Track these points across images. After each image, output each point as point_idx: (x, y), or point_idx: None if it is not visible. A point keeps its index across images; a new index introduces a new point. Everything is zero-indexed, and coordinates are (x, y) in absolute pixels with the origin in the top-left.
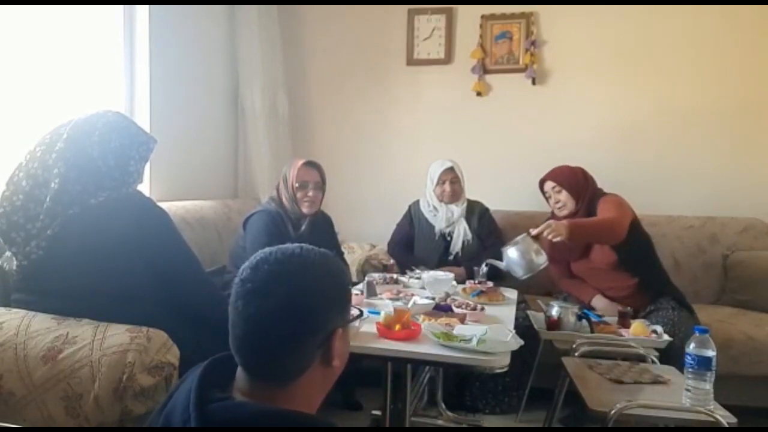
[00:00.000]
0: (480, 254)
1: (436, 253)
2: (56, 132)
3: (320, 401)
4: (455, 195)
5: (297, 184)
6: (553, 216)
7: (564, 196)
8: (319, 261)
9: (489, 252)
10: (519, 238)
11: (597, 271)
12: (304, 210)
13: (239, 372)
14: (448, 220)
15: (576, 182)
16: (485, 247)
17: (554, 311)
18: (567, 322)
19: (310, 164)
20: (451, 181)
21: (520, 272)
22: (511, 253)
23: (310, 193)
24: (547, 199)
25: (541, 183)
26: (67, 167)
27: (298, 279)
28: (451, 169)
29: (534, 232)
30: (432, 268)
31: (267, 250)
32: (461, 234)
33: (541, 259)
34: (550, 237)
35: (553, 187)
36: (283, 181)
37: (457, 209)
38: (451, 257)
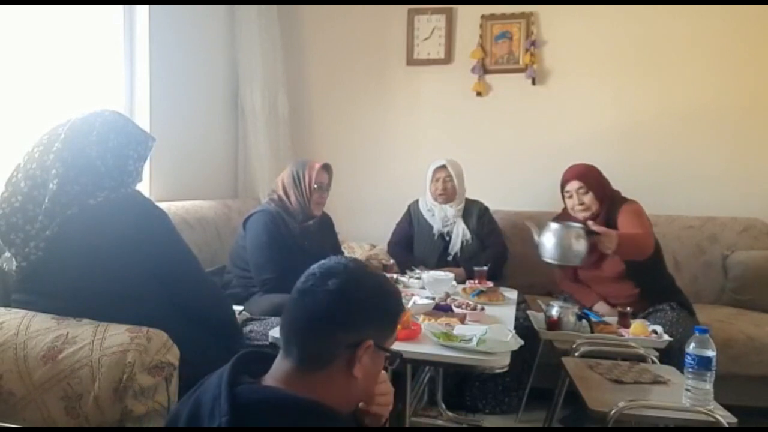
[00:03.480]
0: (479, 254)
1: (435, 253)
2: (54, 132)
3: (340, 406)
4: (447, 193)
5: (315, 186)
6: (563, 214)
7: (589, 198)
8: (381, 280)
9: (489, 252)
10: (577, 226)
11: (603, 279)
12: (316, 211)
13: (278, 357)
14: (443, 220)
15: (601, 184)
16: (485, 247)
17: (554, 311)
18: (567, 322)
19: (326, 167)
20: (444, 180)
21: (551, 253)
22: (557, 232)
23: (324, 195)
24: (566, 198)
25: (565, 182)
26: (65, 167)
27: (354, 280)
28: (443, 167)
29: (595, 228)
30: (431, 269)
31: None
32: (460, 234)
33: (576, 260)
34: (600, 247)
35: (579, 188)
36: (295, 182)
37: (452, 210)
38: (449, 258)
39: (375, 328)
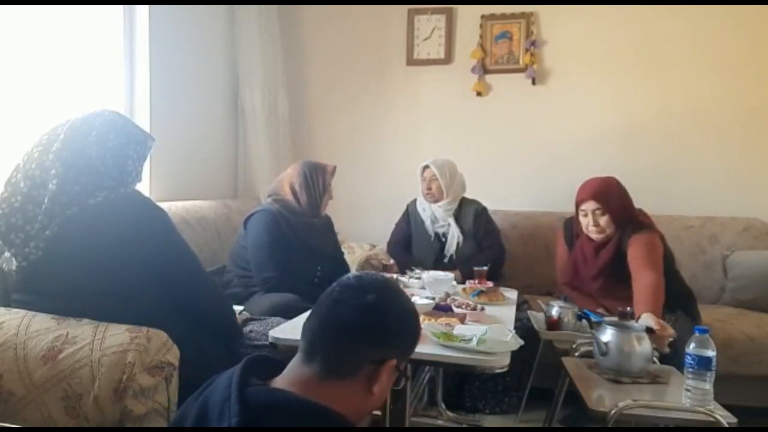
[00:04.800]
0: (476, 256)
1: (431, 254)
2: (53, 132)
3: (350, 417)
4: (432, 193)
5: (329, 188)
6: (574, 225)
7: (605, 221)
8: (411, 302)
9: (486, 253)
10: (636, 326)
11: (609, 293)
12: (325, 211)
13: (293, 360)
14: (433, 220)
15: (620, 205)
16: (482, 249)
17: (554, 311)
18: (567, 322)
19: (333, 169)
20: (429, 179)
21: (613, 363)
22: (616, 338)
23: (331, 196)
24: (580, 216)
25: (581, 200)
26: (65, 167)
27: (391, 298)
28: (426, 167)
29: (655, 326)
30: (428, 269)
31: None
32: (455, 236)
33: (646, 365)
34: (654, 343)
35: (596, 209)
36: (308, 184)
37: (440, 209)
38: (446, 259)
39: (400, 348)
